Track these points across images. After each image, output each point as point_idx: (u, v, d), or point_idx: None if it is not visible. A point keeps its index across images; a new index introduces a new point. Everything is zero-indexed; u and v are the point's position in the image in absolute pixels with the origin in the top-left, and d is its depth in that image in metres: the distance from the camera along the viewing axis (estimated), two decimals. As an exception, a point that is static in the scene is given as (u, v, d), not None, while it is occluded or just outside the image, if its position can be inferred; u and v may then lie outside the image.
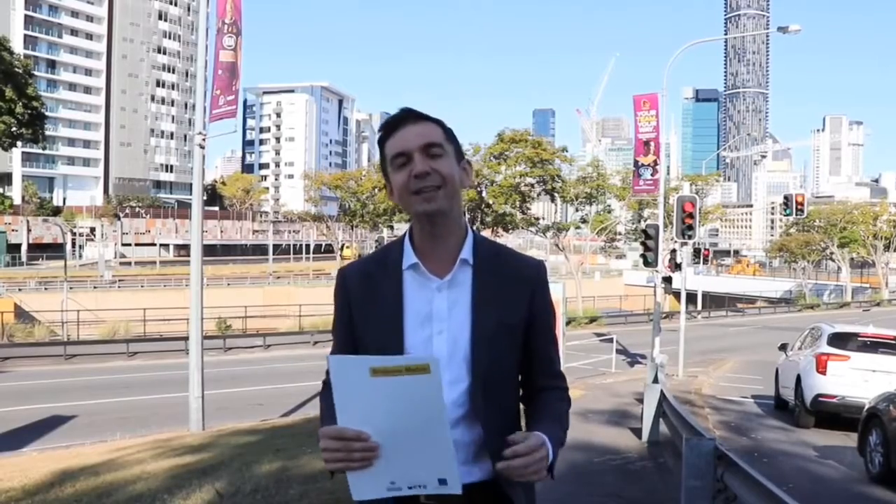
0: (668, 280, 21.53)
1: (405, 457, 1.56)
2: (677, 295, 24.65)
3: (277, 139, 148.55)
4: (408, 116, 1.77)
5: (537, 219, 47.81)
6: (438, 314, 1.75)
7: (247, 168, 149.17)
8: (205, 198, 14.07)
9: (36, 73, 56.06)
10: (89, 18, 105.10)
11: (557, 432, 1.74)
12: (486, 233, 44.09)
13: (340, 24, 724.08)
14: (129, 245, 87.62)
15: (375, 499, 1.62)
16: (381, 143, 1.79)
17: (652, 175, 20.06)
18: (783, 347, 14.55)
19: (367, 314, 1.80)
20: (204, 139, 12.66)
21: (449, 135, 1.80)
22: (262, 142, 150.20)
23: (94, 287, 51.02)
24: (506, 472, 1.59)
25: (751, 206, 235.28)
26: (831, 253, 64.24)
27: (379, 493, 1.59)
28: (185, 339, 16.78)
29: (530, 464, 1.59)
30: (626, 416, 11.78)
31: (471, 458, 1.73)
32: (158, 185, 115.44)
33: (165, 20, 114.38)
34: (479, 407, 1.72)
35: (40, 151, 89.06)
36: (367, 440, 1.54)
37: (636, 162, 20.63)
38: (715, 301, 52.69)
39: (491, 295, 1.76)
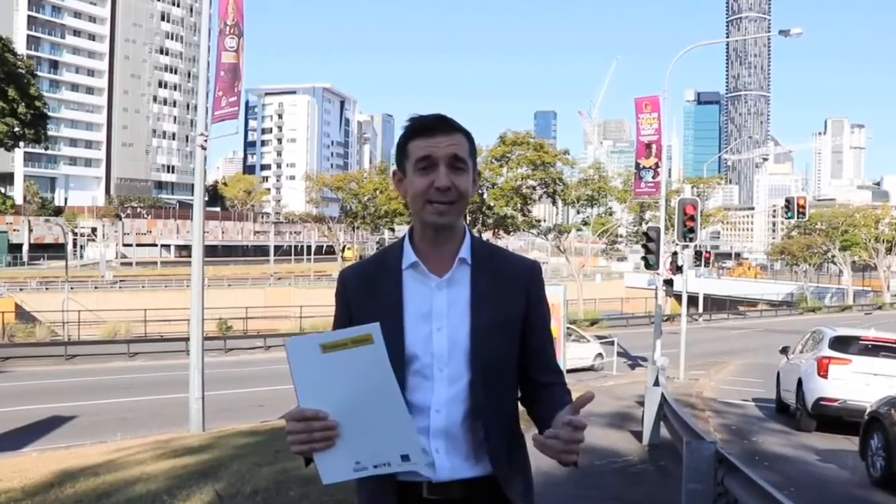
0: (669, 283, 21.51)
1: (366, 435, 1.61)
2: (678, 297, 24.65)
3: (279, 140, 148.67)
4: (442, 124, 1.80)
5: (539, 221, 47.84)
6: (438, 312, 1.78)
7: (248, 169, 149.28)
8: (206, 199, 14.09)
9: (38, 73, 56.02)
10: (92, 19, 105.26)
11: None
12: (487, 235, 44.15)
13: (342, 26, 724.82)
14: (131, 245, 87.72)
15: (376, 499, 1.66)
16: (407, 138, 1.82)
17: (653, 177, 20.06)
18: (784, 350, 14.51)
19: (368, 313, 1.81)
20: (206, 140, 12.67)
21: (472, 148, 1.84)
22: (263, 143, 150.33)
23: (95, 287, 51.03)
24: (547, 444, 1.59)
25: (752, 208, 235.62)
26: (833, 256, 64.23)
27: (346, 474, 1.62)
28: (186, 339, 16.78)
29: (573, 441, 1.58)
30: (626, 419, 11.77)
31: (471, 453, 1.76)
32: (160, 185, 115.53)
33: (168, 21, 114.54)
34: (480, 402, 1.76)
35: (42, 151, 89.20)
36: (325, 419, 1.59)
37: (638, 164, 20.63)
38: (716, 304, 52.62)
39: (488, 293, 1.80)
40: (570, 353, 21.28)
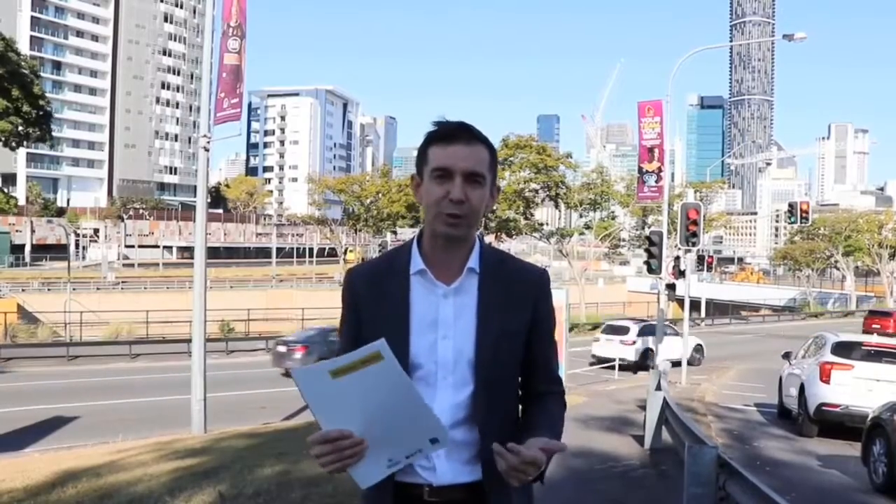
0: (671, 287, 21.46)
1: (393, 436, 1.62)
2: (681, 302, 24.64)
3: (282, 142, 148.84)
4: (464, 132, 1.78)
5: (541, 224, 47.86)
6: (444, 320, 1.78)
7: (251, 171, 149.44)
8: (209, 200, 14.10)
9: (41, 74, 56.01)
10: (95, 20, 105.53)
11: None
12: (490, 238, 44.18)
13: (345, 28, 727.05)
14: (133, 247, 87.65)
15: (377, 502, 1.68)
16: (427, 143, 1.81)
17: (656, 182, 20.05)
18: (787, 356, 14.48)
19: (374, 316, 1.82)
20: (208, 142, 12.70)
21: (493, 160, 1.82)
22: (266, 145, 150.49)
23: (98, 288, 51.00)
24: (500, 464, 1.61)
25: (755, 213, 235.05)
26: (836, 261, 64.09)
27: (381, 474, 1.65)
28: (188, 341, 16.81)
29: (521, 471, 1.61)
30: (628, 423, 11.74)
31: (472, 457, 1.78)
32: (162, 186, 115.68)
33: (171, 22, 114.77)
34: (483, 409, 1.77)
35: (45, 152, 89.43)
36: (350, 436, 1.58)
37: (640, 168, 20.62)
38: (718, 308, 52.59)
39: (496, 302, 1.80)
40: (669, 348, 21.21)
